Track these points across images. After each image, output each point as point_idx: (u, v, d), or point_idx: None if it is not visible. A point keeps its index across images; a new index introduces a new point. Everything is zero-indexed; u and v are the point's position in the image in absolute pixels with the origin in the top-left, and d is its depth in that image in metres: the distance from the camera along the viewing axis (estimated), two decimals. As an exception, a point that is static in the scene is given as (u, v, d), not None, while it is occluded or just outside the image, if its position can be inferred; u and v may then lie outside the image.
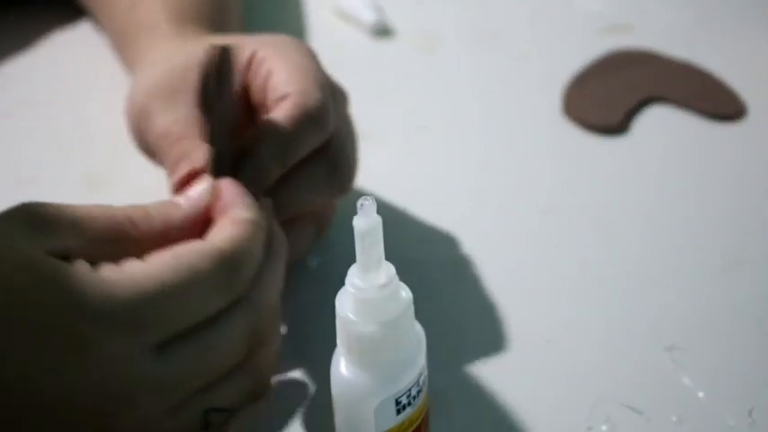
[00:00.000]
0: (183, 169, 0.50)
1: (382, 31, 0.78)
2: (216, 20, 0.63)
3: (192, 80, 0.54)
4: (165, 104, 0.54)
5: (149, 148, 0.55)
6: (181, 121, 0.52)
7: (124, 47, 0.67)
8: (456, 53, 0.77)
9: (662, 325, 0.56)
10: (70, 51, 0.75)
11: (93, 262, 0.43)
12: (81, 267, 0.42)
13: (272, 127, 0.52)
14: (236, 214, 0.47)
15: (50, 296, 0.41)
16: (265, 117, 0.53)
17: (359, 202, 0.40)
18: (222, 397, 0.46)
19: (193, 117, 0.53)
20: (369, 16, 0.78)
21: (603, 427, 0.51)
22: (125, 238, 0.45)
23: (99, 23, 0.74)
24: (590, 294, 0.58)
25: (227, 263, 0.44)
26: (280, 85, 0.54)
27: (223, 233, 0.46)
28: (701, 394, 0.52)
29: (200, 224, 0.47)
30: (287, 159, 0.52)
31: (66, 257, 0.43)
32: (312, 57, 0.56)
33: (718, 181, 0.65)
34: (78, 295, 0.41)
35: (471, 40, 0.78)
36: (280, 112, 0.53)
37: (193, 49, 0.56)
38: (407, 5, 0.81)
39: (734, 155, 0.67)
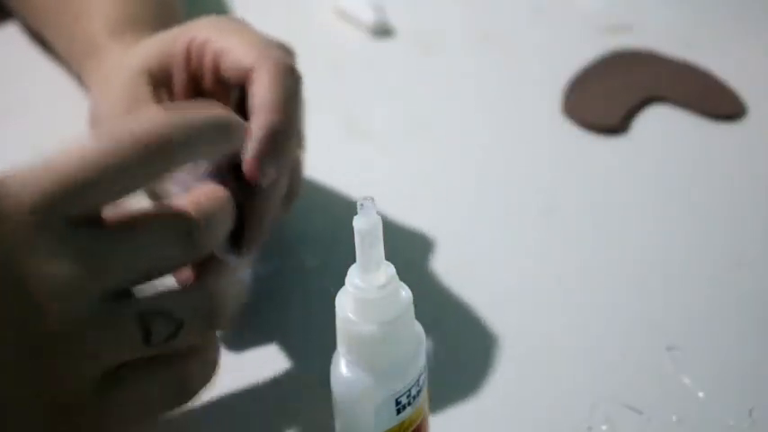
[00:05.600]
0: None
1: (382, 31, 0.78)
2: (156, 25, 0.62)
3: (146, 90, 0.55)
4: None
5: None
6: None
7: (73, 62, 0.68)
8: (456, 53, 0.77)
9: (662, 325, 0.56)
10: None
11: None
12: None
13: (267, 91, 0.52)
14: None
15: None
16: (251, 92, 0.52)
17: (359, 202, 0.40)
18: (165, 303, 0.42)
19: None
20: (369, 16, 0.78)
21: (603, 427, 0.51)
22: None
23: (47, 36, 0.73)
24: (590, 294, 0.58)
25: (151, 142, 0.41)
26: (238, 61, 0.53)
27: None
28: (701, 394, 0.52)
29: None
30: (296, 122, 0.52)
31: None
32: (247, 24, 0.56)
33: (719, 181, 0.65)
34: None
35: (471, 40, 0.78)
36: (260, 82, 0.52)
37: (135, 59, 0.56)
38: (407, 5, 0.81)
39: (734, 155, 0.67)
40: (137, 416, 0.42)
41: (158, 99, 0.56)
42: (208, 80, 0.55)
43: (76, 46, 0.66)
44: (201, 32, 0.55)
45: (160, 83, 0.56)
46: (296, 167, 0.57)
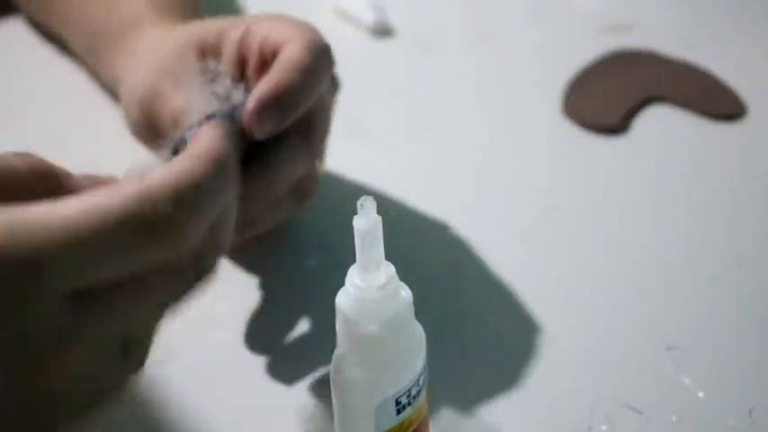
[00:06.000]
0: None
1: (382, 31, 0.78)
2: (188, 13, 0.65)
3: (193, 61, 0.55)
4: (177, 85, 0.55)
5: (158, 129, 0.56)
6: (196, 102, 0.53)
7: (103, 44, 0.67)
8: (456, 53, 0.77)
9: (662, 325, 0.56)
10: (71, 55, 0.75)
11: None
12: None
13: (292, 57, 0.53)
14: (190, 150, 0.41)
15: None
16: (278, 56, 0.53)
17: (359, 202, 0.40)
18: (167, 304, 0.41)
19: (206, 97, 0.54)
20: (369, 16, 0.78)
21: (603, 427, 0.51)
22: None
23: (61, 27, 0.72)
24: (590, 294, 0.58)
25: (148, 204, 0.37)
26: (277, 37, 0.54)
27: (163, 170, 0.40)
28: (701, 394, 0.52)
29: None
30: (312, 90, 0.53)
31: None
32: (300, 19, 0.57)
33: (719, 181, 0.65)
34: None
35: (471, 40, 0.78)
36: (289, 47, 0.53)
37: (187, 33, 0.57)
38: (407, 5, 0.81)
39: (734, 155, 0.67)
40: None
41: (205, 70, 0.56)
42: (251, 69, 0.56)
43: (114, 23, 0.66)
44: (258, 22, 0.56)
45: (209, 58, 0.56)
46: (312, 169, 0.57)
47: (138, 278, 0.38)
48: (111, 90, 0.68)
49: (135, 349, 0.40)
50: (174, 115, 0.55)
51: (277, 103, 0.51)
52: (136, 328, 0.40)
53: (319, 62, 0.54)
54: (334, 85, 0.58)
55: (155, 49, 0.59)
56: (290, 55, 0.53)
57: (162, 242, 0.38)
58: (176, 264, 0.40)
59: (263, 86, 0.52)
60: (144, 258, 0.38)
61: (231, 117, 0.51)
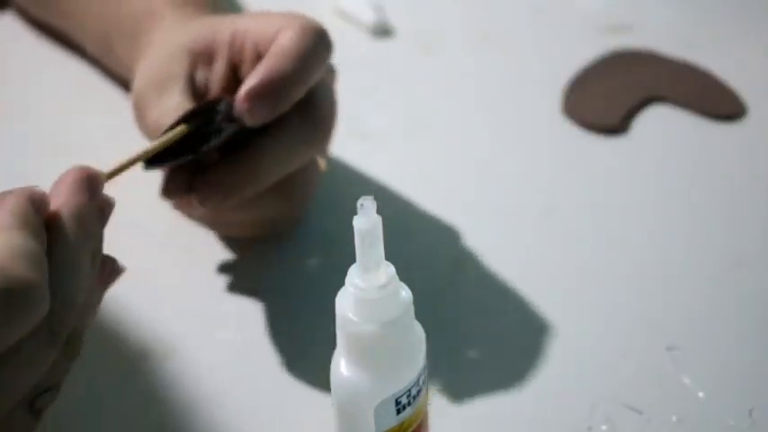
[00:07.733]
0: None
1: (382, 31, 0.78)
2: (207, 6, 0.64)
3: (181, 68, 0.55)
4: (157, 94, 0.55)
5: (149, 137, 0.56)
6: (171, 112, 0.53)
7: (120, 39, 0.66)
8: (456, 53, 0.77)
9: (662, 325, 0.56)
10: (69, 52, 0.75)
11: None
12: None
13: (285, 44, 0.53)
14: None
15: None
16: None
17: (359, 202, 0.40)
18: (48, 379, 0.41)
19: (181, 106, 0.54)
20: (369, 16, 0.78)
21: (603, 427, 0.51)
22: None
23: (77, 25, 0.71)
24: (590, 294, 0.58)
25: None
26: (273, 30, 0.54)
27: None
28: (701, 394, 0.52)
29: None
30: (305, 76, 0.53)
31: None
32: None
33: (719, 181, 0.65)
34: None
35: (471, 40, 0.78)
36: (282, 35, 0.53)
37: (181, 37, 0.57)
38: (407, 5, 0.81)
39: (734, 155, 0.67)
40: None
41: (192, 78, 0.56)
42: (247, 68, 0.56)
43: (130, 18, 0.64)
44: (243, 22, 0.56)
45: (200, 64, 0.56)
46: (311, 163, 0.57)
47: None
48: (127, 84, 0.68)
49: (45, 402, 0.41)
50: (150, 129, 0.55)
51: (269, 90, 0.52)
52: None
53: (314, 47, 0.54)
54: (330, 71, 0.58)
55: (156, 50, 0.59)
56: (283, 42, 0.53)
57: None
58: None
59: (255, 74, 0.52)
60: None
61: (211, 111, 0.52)
